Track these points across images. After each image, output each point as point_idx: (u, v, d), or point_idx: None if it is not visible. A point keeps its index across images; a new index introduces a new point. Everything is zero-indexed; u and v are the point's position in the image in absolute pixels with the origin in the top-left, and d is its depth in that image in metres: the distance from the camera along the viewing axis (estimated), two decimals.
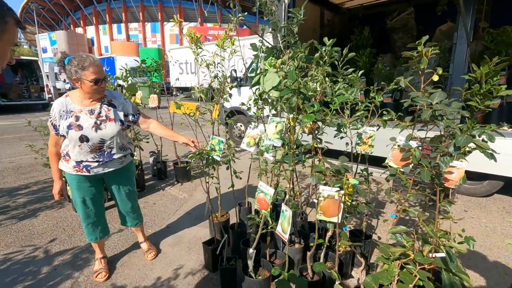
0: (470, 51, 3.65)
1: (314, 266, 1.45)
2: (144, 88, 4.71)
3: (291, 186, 1.84)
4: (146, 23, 39.95)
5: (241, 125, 6.31)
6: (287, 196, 2.04)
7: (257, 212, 2.13)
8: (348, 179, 1.39)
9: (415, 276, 1.17)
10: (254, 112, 2.10)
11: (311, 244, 1.73)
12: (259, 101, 1.89)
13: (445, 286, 1.18)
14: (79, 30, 42.25)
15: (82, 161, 1.85)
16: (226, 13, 2.04)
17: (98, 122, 1.83)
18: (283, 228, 1.53)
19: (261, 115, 2.13)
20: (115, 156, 1.95)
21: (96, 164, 1.88)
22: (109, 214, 3.04)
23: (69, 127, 1.77)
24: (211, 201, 2.31)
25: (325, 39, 1.60)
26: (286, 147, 1.51)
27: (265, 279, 1.78)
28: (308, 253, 1.82)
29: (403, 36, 5.58)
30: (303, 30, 1.56)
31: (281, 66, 1.58)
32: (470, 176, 3.40)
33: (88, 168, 1.88)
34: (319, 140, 1.59)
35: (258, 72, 1.82)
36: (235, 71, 6.11)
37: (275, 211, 2.45)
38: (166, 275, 2.18)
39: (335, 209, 1.44)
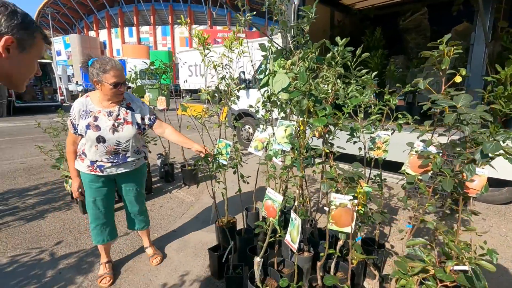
0: (488, 51, 3.49)
1: (326, 280, 1.37)
2: (153, 90, 4.70)
3: (300, 192, 1.76)
4: (156, 26, 40.55)
5: (249, 128, 6.25)
6: (296, 202, 1.96)
7: (264, 219, 2.06)
8: (361, 187, 1.30)
9: None
10: (262, 115, 2.03)
11: (322, 254, 1.64)
12: (268, 103, 1.82)
13: None
14: (92, 33, 43.23)
15: (96, 161, 1.89)
16: (235, 15, 1.99)
17: (116, 124, 1.87)
18: (292, 237, 1.45)
19: (270, 118, 2.06)
20: (129, 159, 1.98)
21: (110, 164, 1.91)
22: (116, 217, 3.01)
23: (88, 126, 1.82)
24: (218, 205, 2.25)
25: (338, 38, 1.52)
26: (296, 152, 1.43)
27: None
28: (318, 263, 1.73)
29: (416, 37, 5.43)
30: (312, 32, 1.51)
31: (291, 67, 1.51)
32: (488, 182, 3.24)
33: (102, 168, 1.91)
34: (330, 145, 1.51)
35: (267, 73, 1.76)
36: (244, 73, 6.07)
37: (283, 217, 2.37)
38: (171, 281, 2.12)
39: (347, 219, 1.35)
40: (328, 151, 1.32)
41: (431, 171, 1.39)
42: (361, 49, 1.61)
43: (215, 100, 2.20)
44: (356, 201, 1.24)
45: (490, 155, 1.17)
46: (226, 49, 2.16)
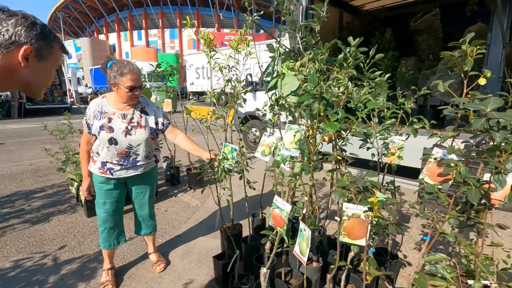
0: (506, 52, 3.35)
1: None
2: (160, 92, 4.69)
3: (309, 199, 1.67)
4: (165, 29, 41.00)
5: (256, 130, 6.18)
6: (304, 210, 1.87)
7: (271, 228, 1.98)
8: (376, 197, 1.21)
9: None
10: (270, 119, 1.96)
11: (332, 266, 1.55)
12: (276, 106, 1.74)
13: None
14: (101, 37, 43.97)
15: (107, 162, 1.89)
16: (242, 15, 1.92)
17: (129, 127, 1.87)
18: (301, 249, 1.37)
19: (277, 121, 1.99)
20: (139, 163, 1.97)
21: (119, 167, 1.91)
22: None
23: (101, 127, 1.83)
24: (223, 210, 2.17)
25: (350, 38, 1.44)
26: (305, 158, 1.35)
27: None
28: (328, 276, 1.64)
29: (427, 38, 5.29)
30: (321, 33, 1.45)
31: (300, 69, 1.44)
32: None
33: (112, 171, 1.91)
34: (342, 151, 1.42)
35: (274, 75, 1.69)
36: (251, 75, 6.01)
37: (290, 224, 2.28)
38: None
39: (361, 230, 1.26)
40: (340, 158, 1.24)
41: (452, 180, 1.29)
42: (374, 50, 1.52)
43: (221, 102, 2.14)
44: (371, 213, 1.15)
45: None
46: (233, 51, 2.10)
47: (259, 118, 5.95)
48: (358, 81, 1.64)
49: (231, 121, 2.30)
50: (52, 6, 39.57)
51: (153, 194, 2.20)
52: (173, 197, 3.81)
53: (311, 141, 1.31)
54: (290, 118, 1.70)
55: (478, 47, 1.20)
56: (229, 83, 2.03)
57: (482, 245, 1.18)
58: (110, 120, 1.85)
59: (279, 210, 1.41)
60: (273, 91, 1.73)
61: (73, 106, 13.44)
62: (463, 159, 1.26)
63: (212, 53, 2.11)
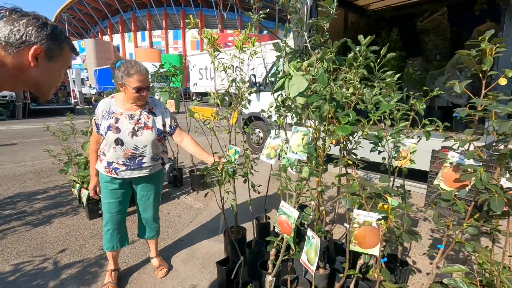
0: None
1: None
2: (163, 93, 4.66)
3: (316, 204, 1.61)
4: (168, 30, 41.15)
5: (259, 132, 6.12)
6: (311, 214, 1.80)
7: (277, 234, 1.91)
8: (391, 204, 1.15)
9: None
10: (275, 120, 1.90)
11: (341, 275, 1.48)
12: (282, 108, 1.68)
13: None
14: (106, 38, 44.26)
15: (113, 162, 1.88)
16: (247, 14, 1.87)
17: (136, 128, 1.85)
18: (309, 258, 1.30)
19: (283, 123, 1.93)
20: (144, 165, 1.94)
21: (124, 168, 1.89)
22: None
23: (109, 127, 1.81)
24: (226, 213, 2.12)
25: (361, 37, 1.37)
26: (314, 162, 1.29)
27: None
28: (337, 284, 1.57)
29: (435, 38, 5.19)
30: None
31: (308, 69, 1.37)
32: None
33: (117, 171, 1.89)
34: (350, 154, 1.36)
35: (280, 75, 1.63)
36: (254, 76, 5.95)
37: (296, 229, 2.21)
38: None
39: (373, 239, 1.19)
40: (351, 162, 1.17)
41: (470, 186, 1.22)
42: (386, 49, 1.46)
43: (225, 104, 2.08)
44: (386, 222, 1.08)
45: None
46: (237, 50, 2.04)
47: (263, 119, 5.89)
48: (368, 81, 1.57)
49: (235, 123, 2.25)
50: (57, 7, 39.94)
51: (158, 197, 2.16)
52: (176, 199, 3.76)
53: (320, 144, 1.24)
54: (295, 119, 1.64)
55: (497, 45, 1.13)
56: (234, 83, 1.97)
57: (504, 256, 1.11)
58: (117, 120, 1.83)
59: (286, 216, 1.35)
60: (279, 92, 1.67)
61: (77, 107, 13.49)
62: (481, 164, 1.18)
63: (216, 53, 2.06)
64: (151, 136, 1.88)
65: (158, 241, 2.33)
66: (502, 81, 1.10)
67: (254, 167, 2.16)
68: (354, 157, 1.27)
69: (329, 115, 1.14)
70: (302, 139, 1.23)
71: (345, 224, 1.33)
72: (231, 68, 2.11)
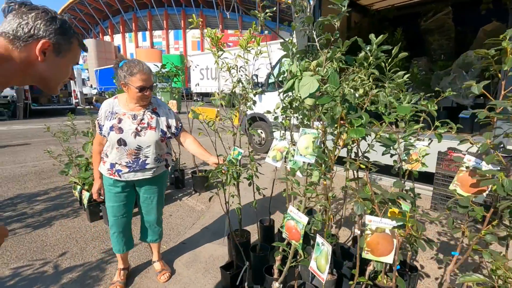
0: None
1: None
2: (164, 93, 4.62)
3: (326, 209, 1.55)
4: (169, 30, 41.13)
5: (261, 132, 6.07)
6: (319, 216, 1.75)
7: (284, 240, 1.86)
8: (403, 210, 1.10)
9: None
10: (281, 122, 1.85)
11: (350, 282, 1.43)
12: (289, 109, 1.63)
13: None
14: (107, 38, 44.26)
15: (116, 164, 1.85)
16: (252, 14, 1.82)
17: (139, 128, 1.82)
18: (319, 265, 1.25)
19: (290, 124, 1.88)
20: (148, 166, 1.90)
21: (127, 169, 1.86)
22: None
23: (111, 128, 1.79)
24: (230, 213, 2.07)
25: (372, 35, 1.32)
26: (323, 166, 1.24)
27: None
28: None
29: (439, 38, 5.14)
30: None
31: (317, 69, 1.32)
32: None
33: (120, 173, 1.86)
34: (362, 158, 1.30)
35: (285, 75, 1.58)
36: (257, 76, 5.90)
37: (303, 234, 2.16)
38: None
39: (386, 246, 1.14)
40: (363, 166, 1.13)
41: (486, 192, 1.17)
42: (398, 48, 1.41)
43: (229, 104, 2.04)
44: (403, 229, 1.03)
45: None
46: (241, 50, 1.99)
47: (265, 120, 5.84)
48: (378, 81, 1.53)
49: (239, 124, 2.20)
50: (58, 8, 39.96)
51: (162, 199, 2.12)
52: (178, 200, 3.71)
53: (330, 147, 1.20)
54: (304, 121, 1.59)
55: None
56: (239, 84, 1.93)
57: None
58: (120, 120, 1.80)
59: (295, 222, 1.30)
60: (283, 92, 1.62)
61: (78, 107, 13.46)
62: (499, 168, 1.13)
63: (220, 52, 2.02)
64: (154, 136, 1.84)
65: (160, 244, 2.28)
66: None
67: (258, 169, 2.11)
68: (367, 160, 1.22)
69: (342, 118, 1.09)
70: (313, 142, 1.18)
71: (355, 230, 1.28)
72: (235, 68, 2.07)
